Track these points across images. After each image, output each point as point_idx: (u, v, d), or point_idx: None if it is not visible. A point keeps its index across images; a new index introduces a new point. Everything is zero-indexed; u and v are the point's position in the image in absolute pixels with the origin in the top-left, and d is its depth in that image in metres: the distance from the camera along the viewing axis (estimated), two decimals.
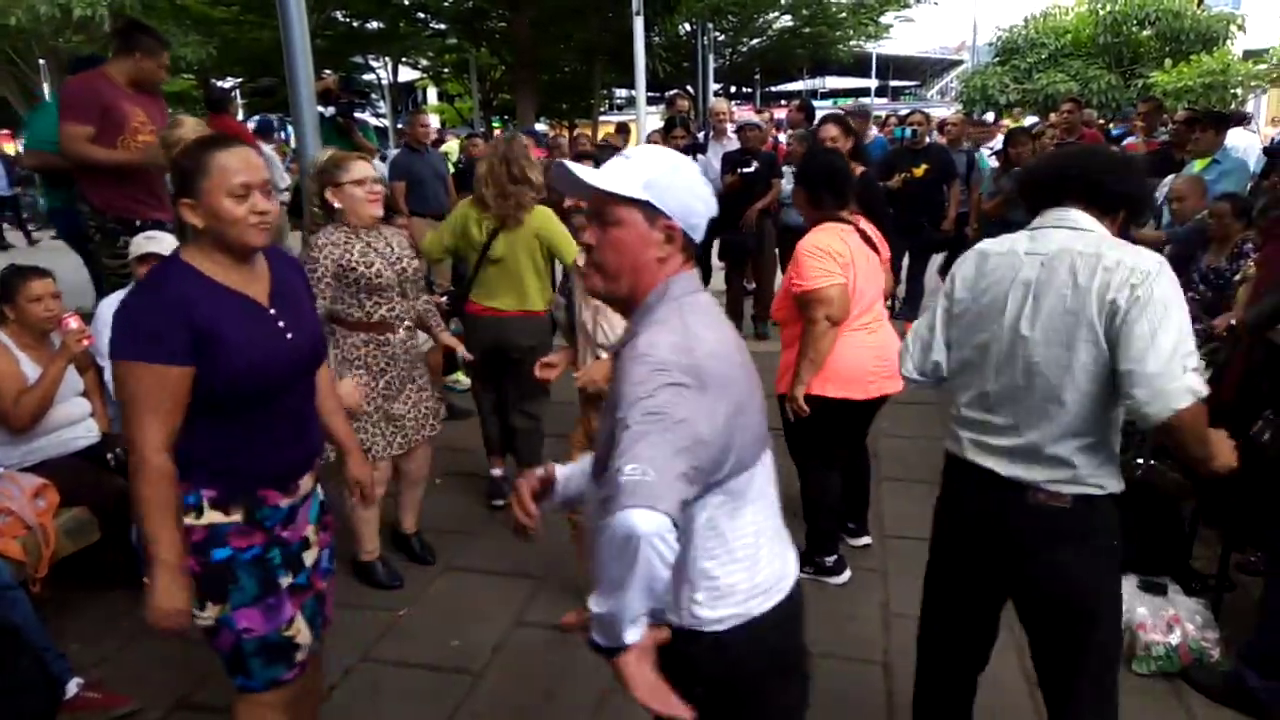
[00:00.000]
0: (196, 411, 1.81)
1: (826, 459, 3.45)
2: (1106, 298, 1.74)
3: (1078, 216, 1.90)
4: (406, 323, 3.31)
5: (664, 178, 1.47)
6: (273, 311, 1.92)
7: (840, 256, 3.16)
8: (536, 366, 3.12)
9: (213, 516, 1.88)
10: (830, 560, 3.45)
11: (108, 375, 3.41)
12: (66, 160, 4.13)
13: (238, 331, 1.81)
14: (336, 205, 3.10)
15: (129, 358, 1.75)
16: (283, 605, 1.99)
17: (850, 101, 24.81)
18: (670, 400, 1.30)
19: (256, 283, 1.92)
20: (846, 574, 3.47)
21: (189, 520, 1.86)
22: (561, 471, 1.77)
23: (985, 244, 2.01)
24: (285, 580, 2.01)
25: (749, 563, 1.52)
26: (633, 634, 1.30)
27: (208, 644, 1.99)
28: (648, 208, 1.46)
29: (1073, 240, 1.85)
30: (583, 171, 1.47)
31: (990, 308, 1.93)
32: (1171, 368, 1.68)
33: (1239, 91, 19.57)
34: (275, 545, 1.99)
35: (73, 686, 2.69)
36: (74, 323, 3.20)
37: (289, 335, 1.93)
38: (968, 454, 1.98)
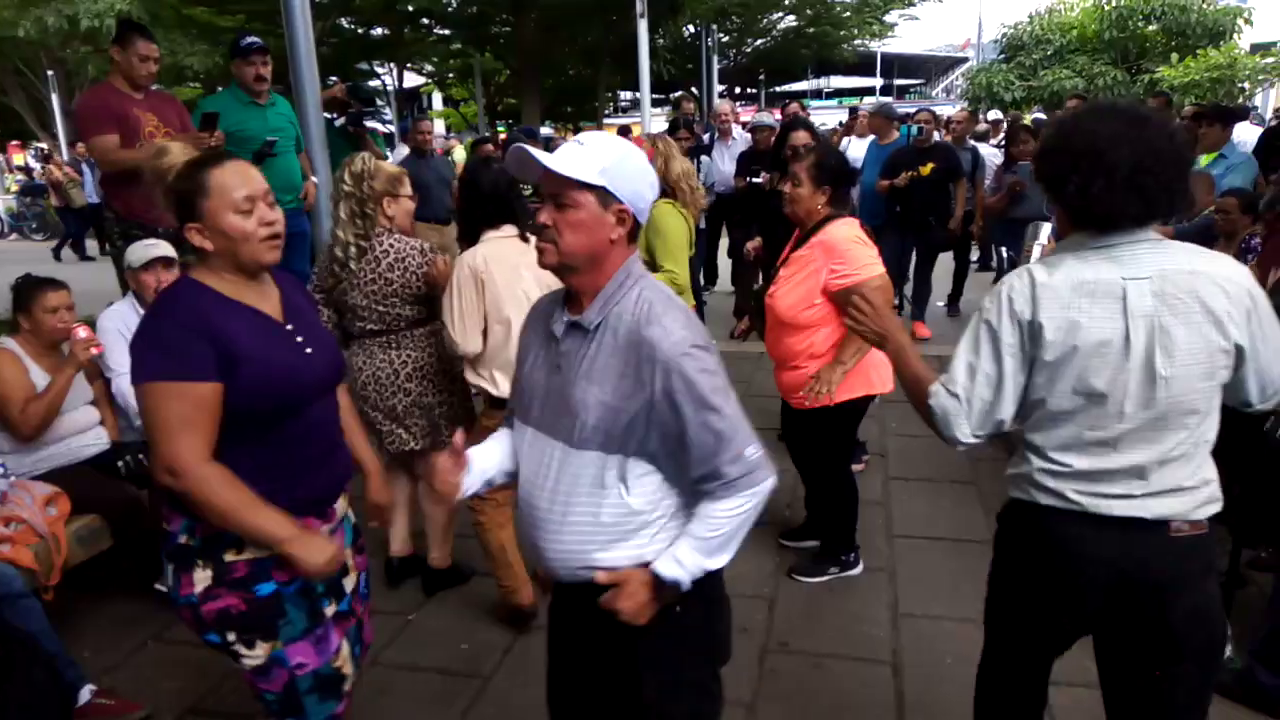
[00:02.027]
0: (227, 437, 1.74)
1: (848, 456, 3.55)
2: (1235, 315, 1.63)
3: (1145, 232, 1.69)
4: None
5: (618, 165, 1.57)
6: (289, 327, 1.88)
7: (871, 246, 3.21)
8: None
9: (254, 551, 1.81)
10: (852, 555, 3.50)
11: (115, 386, 3.44)
12: (106, 170, 4.26)
13: (256, 346, 1.76)
14: (390, 214, 3.15)
15: (154, 378, 1.68)
16: (330, 635, 1.94)
17: (860, 100, 24.66)
18: (717, 372, 1.58)
19: (269, 300, 1.88)
20: (861, 564, 3.53)
21: (229, 557, 1.80)
22: (477, 452, 1.85)
23: (1045, 274, 1.69)
24: (330, 609, 1.96)
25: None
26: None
27: (254, 688, 1.91)
28: (603, 193, 1.56)
29: (1163, 257, 1.66)
30: (543, 156, 1.55)
31: (1103, 348, 1.65)
32: None
33: (1246, 85, 19.47)
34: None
35: (86, 693, 2.71)
36: (82, 332, 3.22)
37: (307, 349, 1.88)
38: (1087, 506, 1.71)
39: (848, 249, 3.11)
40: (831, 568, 3.46)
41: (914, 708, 2.73)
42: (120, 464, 3.31)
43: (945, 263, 7.47)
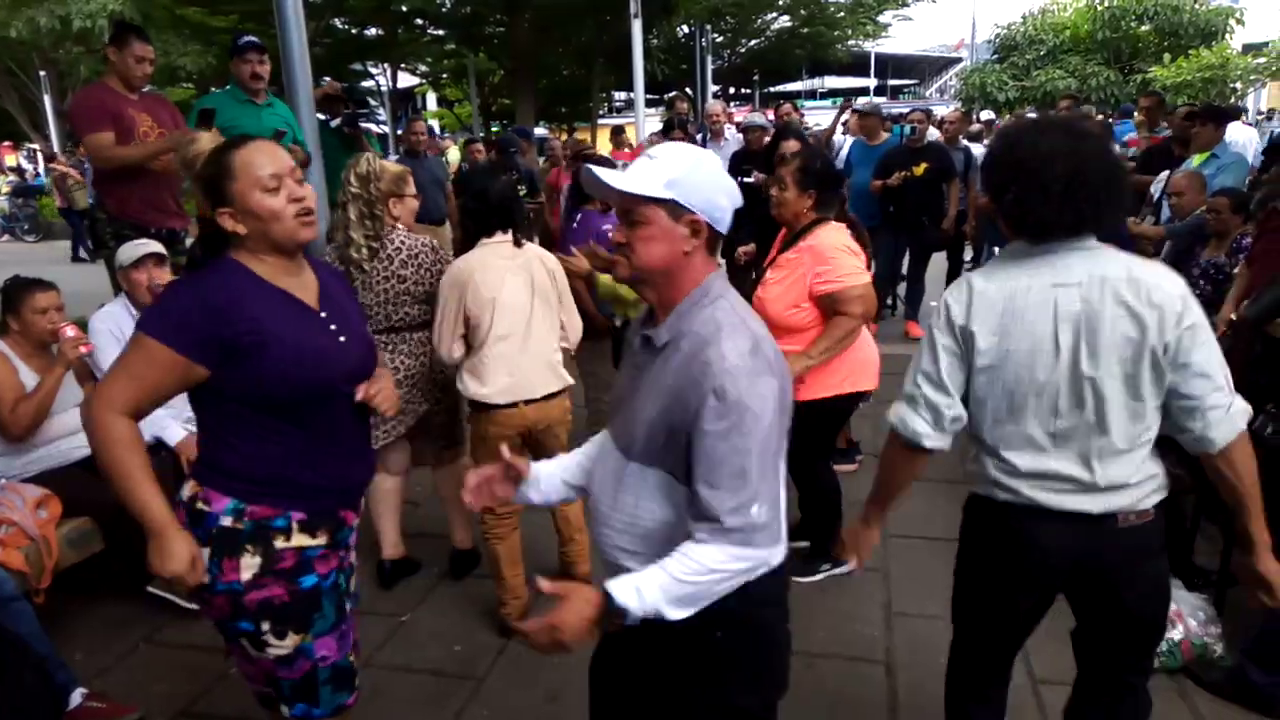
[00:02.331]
0: (259, 417, 1.75)
1: (826, 454, 3.54)
2: (1165, 326, 1.68)
3: (1082, 240, 1.76)
4: None
5: (687, 175, 1.54)
6: (323, 314, 1.87)
7: (859, 255, 3.21)
8: None
9: (301, 539, 1.82)
10: None
11: None
12: (102, 167, 4.27)
13: (287, 329, 1.75)
14: (396, 214, 3.19)
15: (147, 332, 1.69)
16: (350, 630, 1.98)
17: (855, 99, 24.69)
18: (764, 415, 1.47)
19: (306, 287, 1.88)
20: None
21: (279, 544, 1.79)
22: (540, 469, 1.87)
23: (982, 282, 1.80)
24: (349, 605, 1.99)
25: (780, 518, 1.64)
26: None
27: (264, 676, 1.92)
28: (672, 205, 1.54)
29: (1096, 265, 1.73)
30: (607, 175, 1.55)
31: (1034, 351, 1.74)
32: (1227, 390, 1.72)
33: (1238, 85, 19.56)
34: (343, 571, 1.96)
35: (77, 696, 2.70)
36: (70, 331, 3.21)
37: (341, 338, 1.87)
38: (1040, 500, 1.81)
39: (833, 256, 3.12)
40: (823, 565, 3.47)
41: (907, 707, 2.73)
42: None
43: (939, 263, 7.49)
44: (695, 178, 1.55)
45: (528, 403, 3.01)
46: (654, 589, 1.44)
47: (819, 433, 3.38)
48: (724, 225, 1.59)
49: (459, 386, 3.09)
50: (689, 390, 1.48)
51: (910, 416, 1.88)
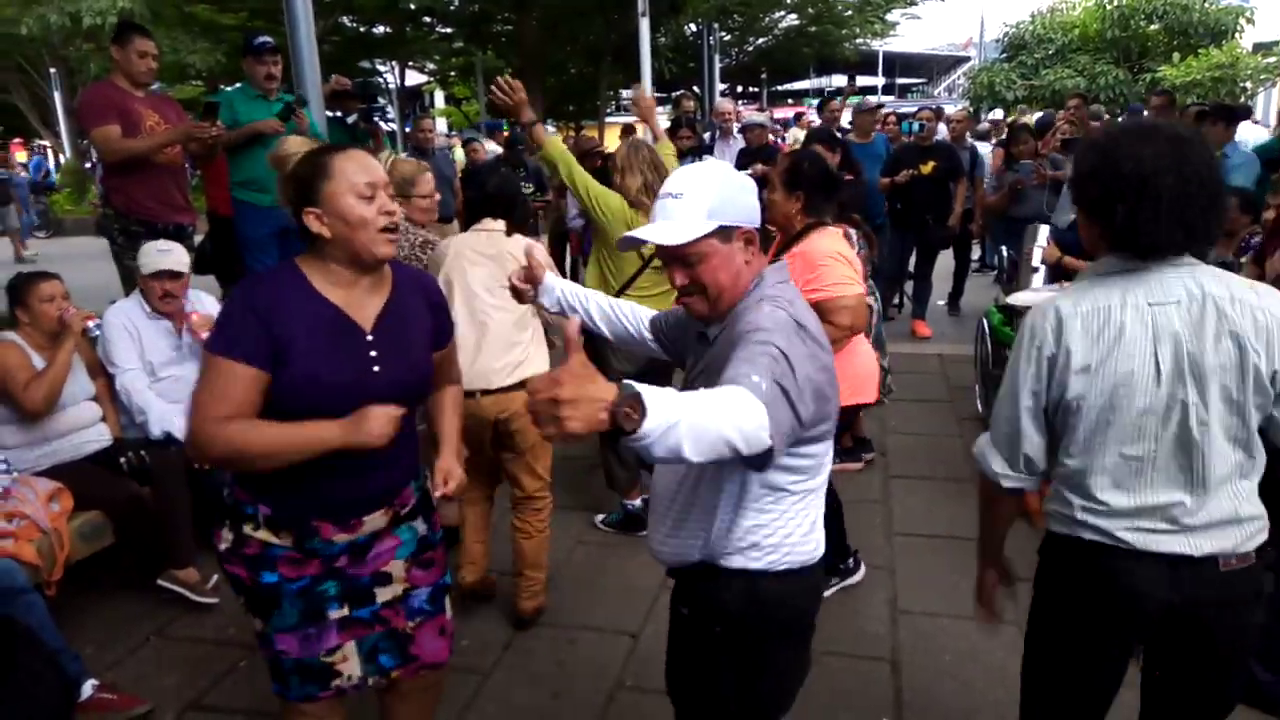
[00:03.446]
0: (270, 418, 1.75)
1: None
2: (1274, 351, 1.58)
3: (1180, 257, 1.64)
4: None
5: (720, 198, 1.58)
6: (370, 338, 1.81)
7: (853, 263, 3.06)
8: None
9: (265, 535, 1.85)
10: (852, 561, 3.43)
11: (118, 382, 3.47)
12: (109, 160, 4.31)
13: (312, 346, 1.74)
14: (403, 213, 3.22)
15: (212, 351, 1.73)
16: (325, 636, 1.92)
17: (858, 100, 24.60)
18: (783, 337, 1.45)
19: (367, 305, 1.82)
20: (863, 568, 3.48)
21: (246, 529, 1.85)
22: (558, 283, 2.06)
23: (1070, 306, 1.65)
24: (337, 613, 1.92)
25: (800, 527, 1.67)
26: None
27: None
28: (721, 231, 1.58)
29: (1196, 282, 1.61)
30: (652, 236, 1.59)
31: (1132, 377, 1.60)
32: None
33: (1248, 85, 19.45)
34: (331, 578, 1.91)
35: (88, 688, 2.72)
36: (71, 308, 3.28)
37: (376, 368, 1.81)
38: (1134, 542, 1.66)
39: (822, 264, 2.95)
40: (832, 579, 3.34)
41: (912, 705, 2.74)
42: (123, 460, 3.33)
43: (946, 262, 7.48)
44: (726, 195, 1.59)
45: (485, 393, 2.97)
46: (671, 399, 1.20)
47: None
48: (757, 221, 1.66)
49: None
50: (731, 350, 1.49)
51: (990, 455, 1.79)
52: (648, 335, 2.03)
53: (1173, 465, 1.63)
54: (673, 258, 1.60)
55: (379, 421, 1.72)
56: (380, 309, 1.84)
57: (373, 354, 1.81)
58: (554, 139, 3.77)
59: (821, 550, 1.74)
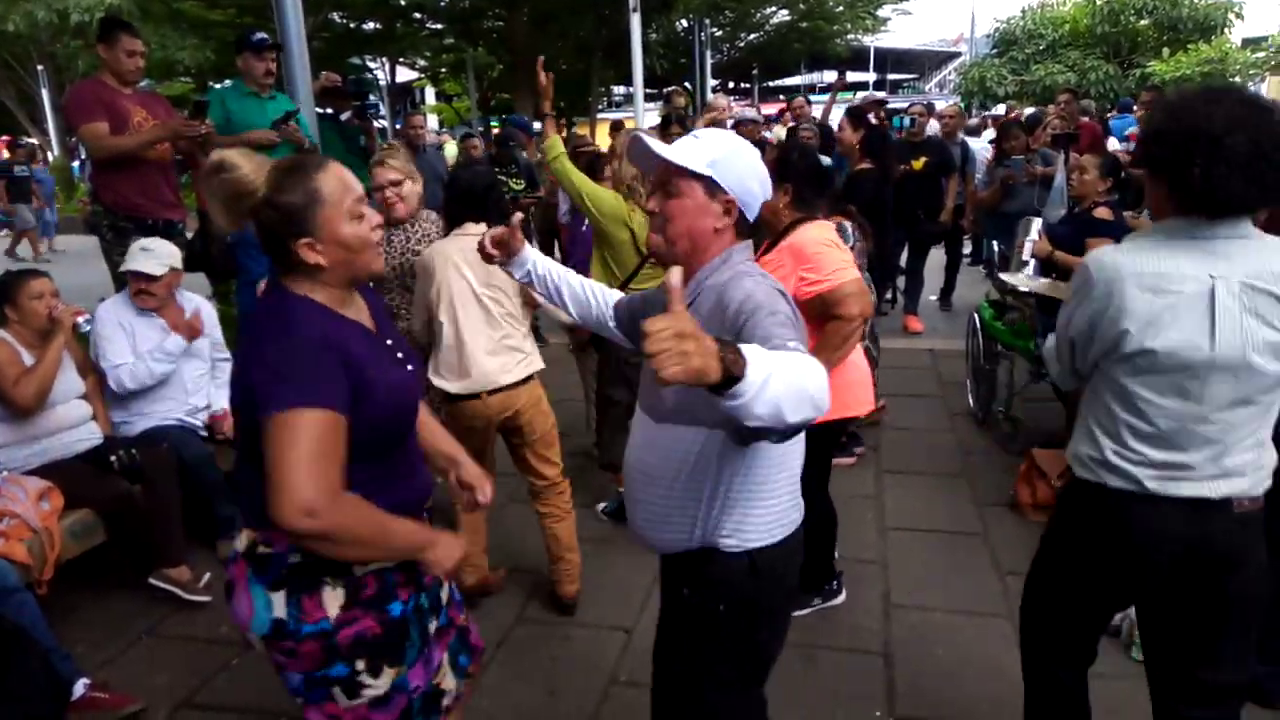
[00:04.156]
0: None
1: (823, 480, 3.17)
2: None
3: (1244, 225, 1.69)
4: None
5: (727, 158, 1.66)
6: (389, 341, 1.74)
7: (844, 249, 2.94)
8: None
9: (379, 562, 1.67)
10: (835, 583, 3.27)
11: (113, 377, 3.47)
12: (98, 157, 4.30)
13: (377, 368, 1.61)
14: None
15: (297, 404, 1.44)
16: (433, 653, 1.83)
17: (854, 96, 24.62)
18: (786, 309, 1.55)
19: (363, 311, 1.74)
20: (844, 591, 3.29)
21: (357, 570, 1.62)
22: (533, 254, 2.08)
23: (1130, 263, 1.71)
24: (433, 625, 1.84)
25: (788, 497, 1.74)
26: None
27: (366, 718, 1.69)
28: (709, 183, 1.65)
29: (1259, 257, 1.67)
30: (655, 145, 1.67)
31: (1187, 342, 1.67)
32: None
33: (1238, 80, 19.56)
34: (421, 590, 1.79)
35: (80, 687, 2.71)
36: (60, 305, 3.27)
37: (409, 365, 1.75)
38: (1153, 488, 1.76)
39: (817, 252, 2.81)
40: (815, 599, 3.22)
41: (905, 698, 2.75)
42: (113, 459, 3.31)
43: (937, 257, 7.50)
44: (735, 162, 1.67)
45: (490, 393, 3.02)
46: (761, 354, 1.22)
47: (816, 460, 3.01)
48: (752, 213, 1.70)
49: (432, 378, 3.06)
50: (719, 329, 1.54)
51: (1051, 364, 2.02)
52: (609, 317, 2.09)
53: (1210, 426, 1.72)
54: (660, 181, 1.70)
55: (451, 549, 1.66)
56: (370, 311, 1.79)
57: (399, 354, 1.76)
58: (557, 139, 3.91)
59: (802, 507, 1.81)
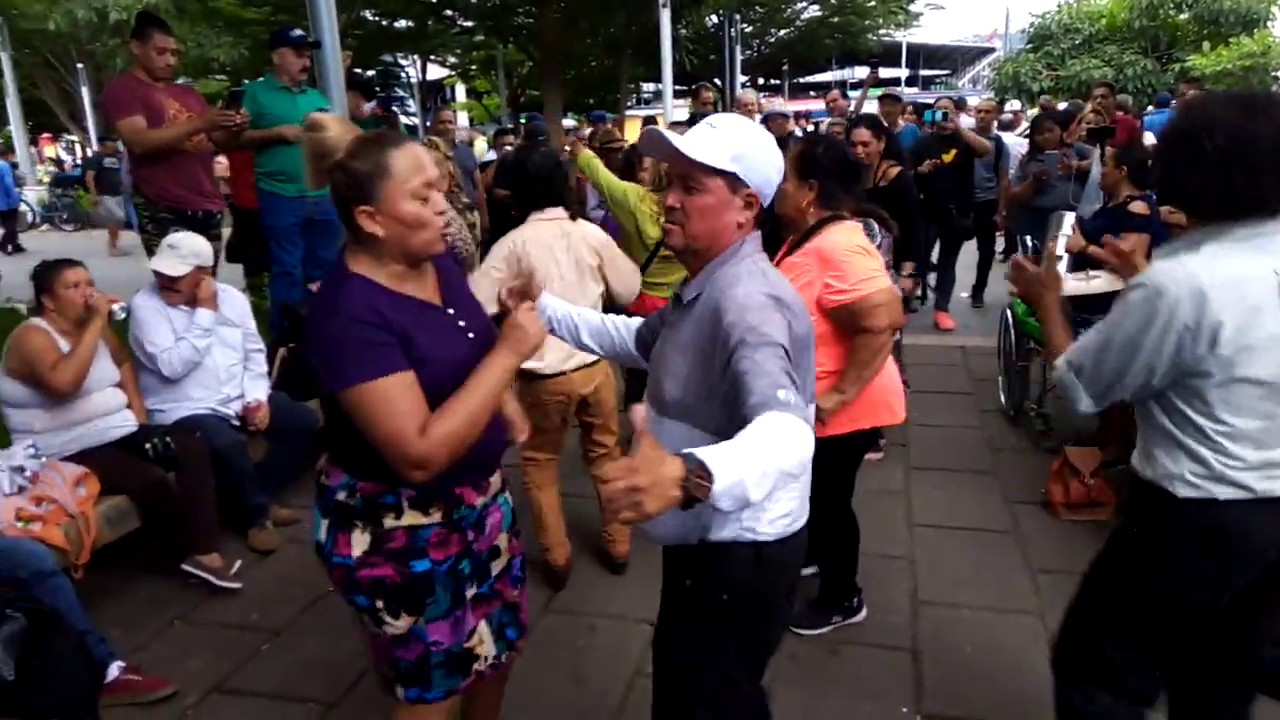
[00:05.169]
0: None
1: (847, 493, 3.04)
2: None
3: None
4: None
5: (749, 151, 1.60)
6: (451, 311, 1.81)
7: (875, 255, 2.78)
8: None
9: (413, 517, 1.77)
10: (856, 601, 3.13)
11: (162, 359, 3.54)
12: (136, 151, 4.38)
13: (431, 344, 1.69)
14: None
15: (355, 381, 1.59)
16: (467, 618, 1.90)
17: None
18: (778, 328, 1.49)
19: (427, 284, 1.80)
20: (864, 609, 3.15)
21: (389, 521, 1.75)
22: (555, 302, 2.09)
23: (1208, 275, 1.66)
24: (471, 591, 1.91)
25: (794, 493, 1.71)
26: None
27: (385, 653, 1.87)
28: (733, 178, 1.60)
29: None
30: (675, 139, 1.59)
31: (1272, 341, 1.66)
32: None
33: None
34: (467, 556, 1.88)
35: (114, 669, 2.76)
36: (95, 293, 3.32)
37: (470, 334, 1.81)
38: (1261, 492, 1.74)
39: (845, 260, 2.64)
40: (835, 616, 3.08)
41: (932, 694, 2.72)
42: (148, 446, 3.36)
43: (970, 253, 7.41)
44: (757, 154, 1.61)
45: (575, 370, 3.18)
46: (731, 456, 1.22)
47: (840, 470, 2.93)
48: (768, 200, 1.67)
49: None
50: (712, 338, 1.55)
51: (1076, 392, 1.84)
52: (632, 346, 2.06)
53: None
54: (679, 175, 1.63)
55: (530, 320, 1.74)
56: (439, 285, 1.84)
57: (460, 324, 1.81)
58: (586, 151, 4.22)
59: (808, 506, 1.79)
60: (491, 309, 2.03)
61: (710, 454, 1.19)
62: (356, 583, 1.78)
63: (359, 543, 1.76)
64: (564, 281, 3.10)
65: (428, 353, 1.67)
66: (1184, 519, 1.82)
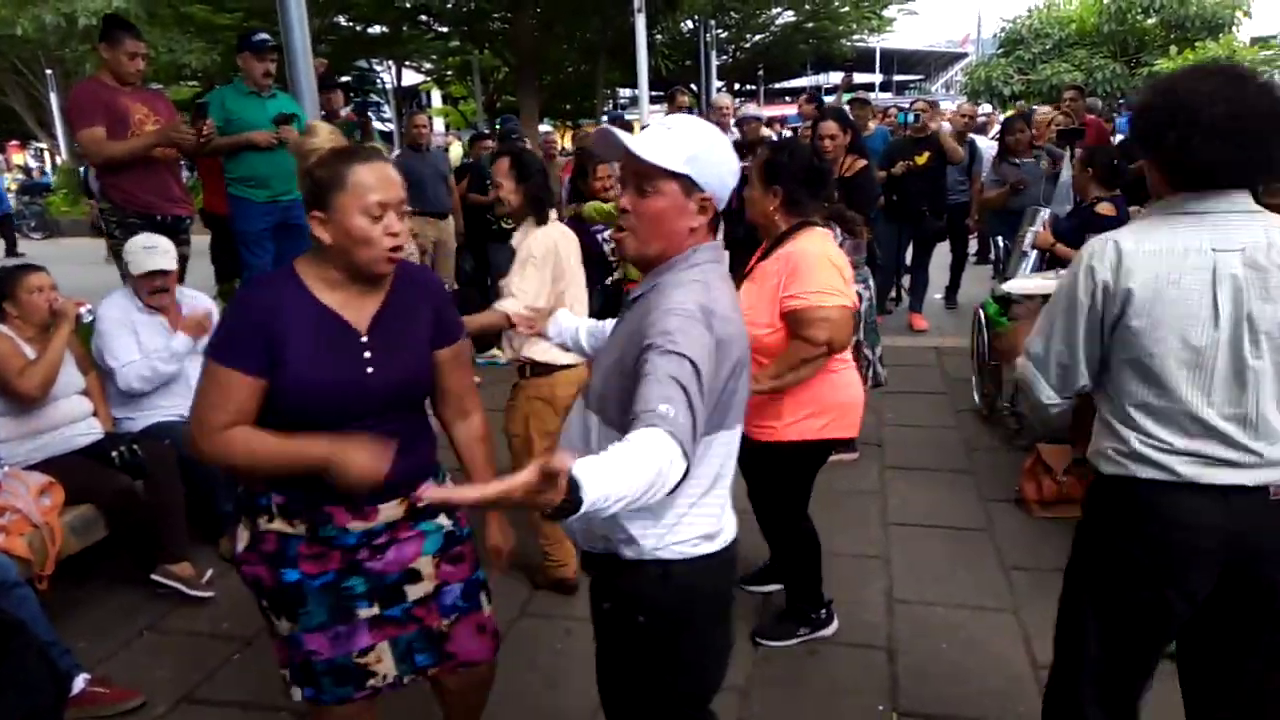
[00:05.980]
0: (268, 420, 1.74)
1: (803, 503, 2.99)
2: None
3: (1243, 199, 1.67)
4: None
5: (706, 153, 1.55)
6: (365, 339, 1.80)
7: (843, 270, 2.74)
8: None
9: (281, 524, 1.81)
10: (824, 612, 3.05)
11: (119, 375, 3.48)
12: (95, 162, 4.31)
13: (305, 349, 1.72)
14: None
15: (211, 357, 1.75)
16: (356, 636, 1.87)
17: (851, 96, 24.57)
18: (695, 342, 1.41)
19: (363, 306, 1.80)
20: (835, 621, 3.07)
21: (262, 523, 1.83)
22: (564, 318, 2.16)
23: (1133, 243, 1.67)
24: (367, 612, 1.88)
25: (710, 506, 1.61)
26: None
27: (283, 648, 1.91)
28: (687, 181, 1.53)
29: (1261, 230, 1.64)
30: (628, 139, 1.54)
31: (1190, 317, 1.63)
32: None
33: None
34: (355, 574, 1.85)
35: (80, 682, 2.70)
36: (60, 297, 3.28)
37: (370, 369, 1.79)
38: (1190, 476, 1.68)
39: (809, 268, 2.62)
40: (800, 629, 3.01)
41: (908, 693, 2.73)
42: (115, 454, 3.32)
43: (943, 255, 7.48)
44: (712, 157, 1.56)
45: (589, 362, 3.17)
46: (592, 462, 1.19)
47: (796, 479, 2.92)
48: (723, 203, 1.61)
49: (522, 354, 3.15)
50: (634, 339, 1.49)
51: (1037, 382, 1.82)
52: None
53: (1227, 407, 1.65)
54: (634, 175, 1.56)
55: (365, 456, 1.65)
56: (377, 309, 1.82)
57: (367, 355, 1.79)
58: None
59: (733, 529, 1.69)
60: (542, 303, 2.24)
61: (586, 479, 1.14)
62: (244, 577, 1.88)
63: (242, 538, 1.87)
64: (577, 277, 3.26)
65: (292, 364, 1.71)
66: (1105, 496, 1.82)
